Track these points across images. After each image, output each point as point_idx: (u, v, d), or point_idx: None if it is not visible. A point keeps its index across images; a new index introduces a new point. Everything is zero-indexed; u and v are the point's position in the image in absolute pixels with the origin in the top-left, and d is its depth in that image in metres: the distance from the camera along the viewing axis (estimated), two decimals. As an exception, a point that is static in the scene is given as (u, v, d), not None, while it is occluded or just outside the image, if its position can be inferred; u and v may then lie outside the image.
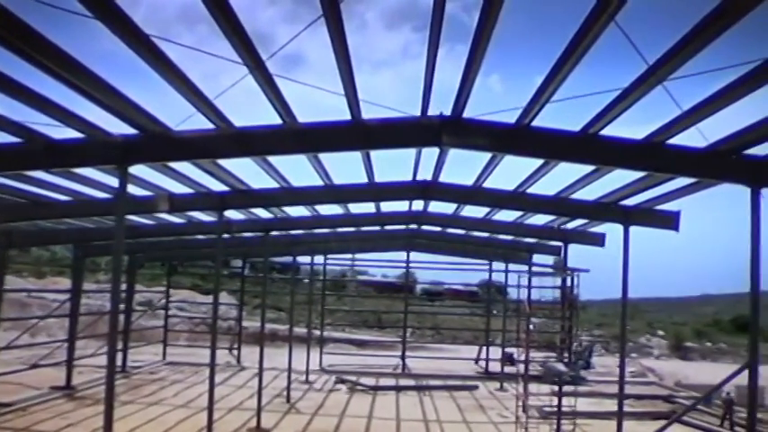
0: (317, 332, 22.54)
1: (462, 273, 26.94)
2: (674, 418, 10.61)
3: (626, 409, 12.57)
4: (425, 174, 10.98)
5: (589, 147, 7.38)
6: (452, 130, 7.15)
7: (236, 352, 22.16)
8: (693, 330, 41.95)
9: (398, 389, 17.88)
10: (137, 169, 8.62)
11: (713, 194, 9.27)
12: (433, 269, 28.49)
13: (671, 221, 10.64)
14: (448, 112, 7.18)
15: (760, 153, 7.20)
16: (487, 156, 8.95)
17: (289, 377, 15.70)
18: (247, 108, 8.07)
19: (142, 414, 12.91)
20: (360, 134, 7.41)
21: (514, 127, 7.20)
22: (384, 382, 18.88)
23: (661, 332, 38.60)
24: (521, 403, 13.79)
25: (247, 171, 10.21)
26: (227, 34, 5.12)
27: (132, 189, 9.89)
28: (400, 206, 14.53)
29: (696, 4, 4.34)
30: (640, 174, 8.77)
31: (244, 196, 11.21)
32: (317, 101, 7.21)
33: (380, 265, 41.50)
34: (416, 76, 6.50)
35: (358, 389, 17.57)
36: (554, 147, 7.48)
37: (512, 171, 10.21)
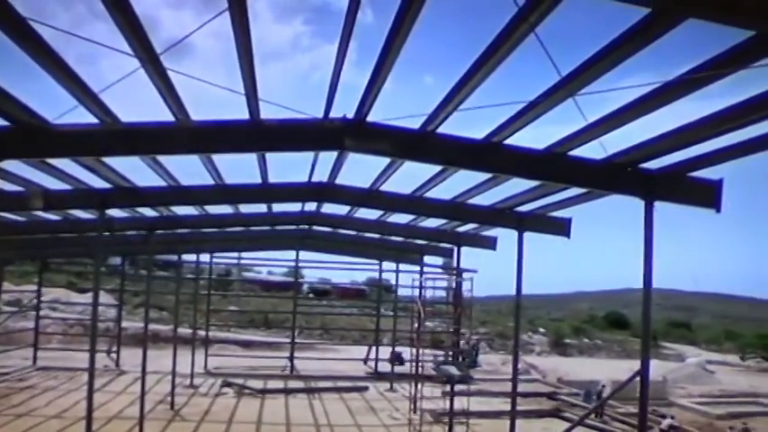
0: (202, 332, 21.71)
1: (350, 270, 26.91)
2: (577, 421, 10.91)
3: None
4: (322, 175, 10.70)
5: (492, 156, 7.37)
6: (355, 134, 6.92)
7: (114, 355, 21.01)
8: (571, 327, 43.91)
9: (287, 391, 17.54)
10: (7, 163, 7.91)
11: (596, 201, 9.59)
12: (322, 268, 28.31)
13: (563, 228, 10.92)
14: (343, 112, 6.91)
15: (654, 167, 7.44)
16: (387, 159, 8.79)
17: (173, 381, 14.99)
18: (133, 99, 7.50)
19: (11, 427, 11.94)
20: (259, 135, 7.04)
21: (419, 133, 7.06)
22: (272, 384, 18.47)
23: (542, 329, 40.08)
24: (413, 405, 13.82)
25: (132, 168, 9.59)
26: (121, 27, 4.67)
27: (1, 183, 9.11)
28: (292, 206, 14.18)
29: (613, 25, 4.35)
30: (537, 182, 8.88)
31: (127, 194, 10.53)
32: (203, 91, 6.74)
33: (268, 264, 40.83)
34: (307, 70, 6.21)
35: (245, 392, 17.07)
36: (458, 155, 7.40)
37: (409, 174, 10.13)
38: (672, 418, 15.52)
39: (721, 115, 5.89)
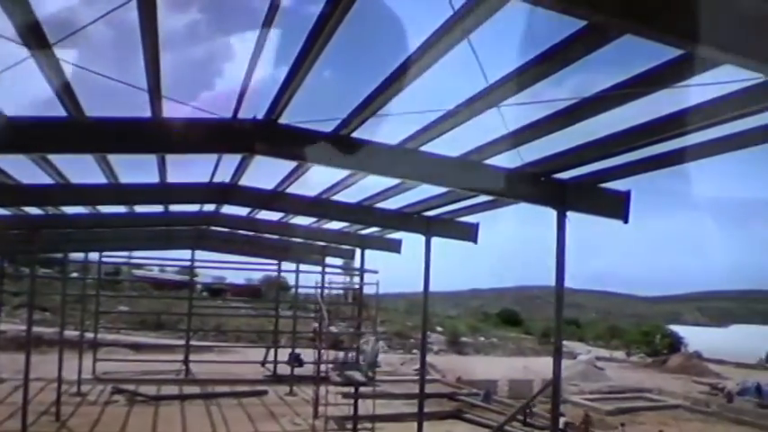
0: (90, 335, 20.47)
1: (245, 268, 26.14)
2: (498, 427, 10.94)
3: (414, 409, 12.79)
4: (224, 175, 10.20)
5: (407, 162, 7.18)
6: (267, 137, 6.55)
7: (-9, 361, 19.53)
8: (468, 326, 44.79)
9: (183, 397, 16.85)
10: None
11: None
12: (219, 268, 27.55)
13: (470, 233, 10.92)
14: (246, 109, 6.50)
15: (567, 177, 7.49)
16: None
17: (58, 389, 14.04)
18: (19, 91, 6.81)
19: None
20: (162, 136, 6.53)
21: (334, 137, 6.76)
22: (166, 389, 17.70)
23: (439, 328, 40.60)
24: (315, 410, 13.55)
25: (15, 163, 8.80)
26: (5, 7, 4.15)
27: None
28: (190, 207, 13.55)
29: (549, 37, 4.24)
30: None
31: (9, 192, 9.69)
32: (96, 84, 6.13)
33: (162, 264, 39.21)
34: (202, 61, 5.91)
35: (138, 399, 16.26)
36: (373, 160, 7.15)
37: (317, 176, 9.82)
38: (563, 415, 15.91)
39: (631, 132, 6.00)
